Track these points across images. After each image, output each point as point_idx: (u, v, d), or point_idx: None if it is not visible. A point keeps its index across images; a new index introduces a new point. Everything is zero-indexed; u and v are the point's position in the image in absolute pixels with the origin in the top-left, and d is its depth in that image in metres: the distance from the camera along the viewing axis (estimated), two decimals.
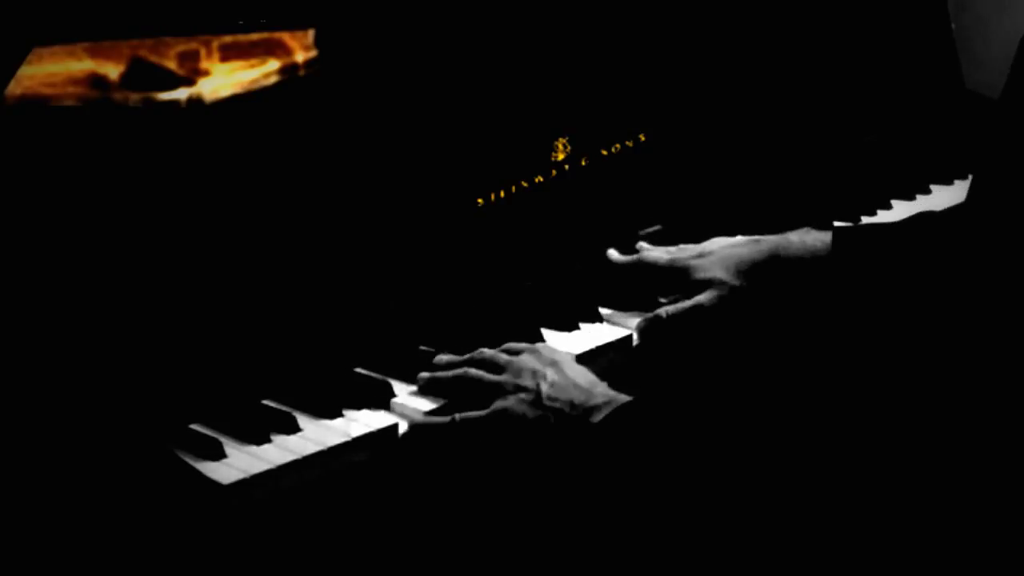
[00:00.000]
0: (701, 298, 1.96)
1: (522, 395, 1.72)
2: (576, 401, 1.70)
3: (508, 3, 2.07)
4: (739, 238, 2.04)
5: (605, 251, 2.10)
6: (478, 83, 2.04)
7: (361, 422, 1.73)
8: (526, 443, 1.71)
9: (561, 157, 2.12)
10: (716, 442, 1.61)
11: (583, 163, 2.15)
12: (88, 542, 1.60)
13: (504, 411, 1.71)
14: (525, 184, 2.08)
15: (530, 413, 1.71)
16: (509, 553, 1.90)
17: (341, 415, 1.74)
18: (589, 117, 2.15)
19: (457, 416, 1.72)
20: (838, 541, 1.54)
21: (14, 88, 1.69)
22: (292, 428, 1.71)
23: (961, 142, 2.49)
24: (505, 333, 1.89)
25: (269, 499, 1.62)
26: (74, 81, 1.73)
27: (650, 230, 2.17)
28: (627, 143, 2.19)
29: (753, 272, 1.97)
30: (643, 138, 2.21)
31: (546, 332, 1.93)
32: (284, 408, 1.76)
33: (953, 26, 2.59)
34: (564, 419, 1.69)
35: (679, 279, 2.00)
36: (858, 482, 1.53)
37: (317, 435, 1.70)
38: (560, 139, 2.12)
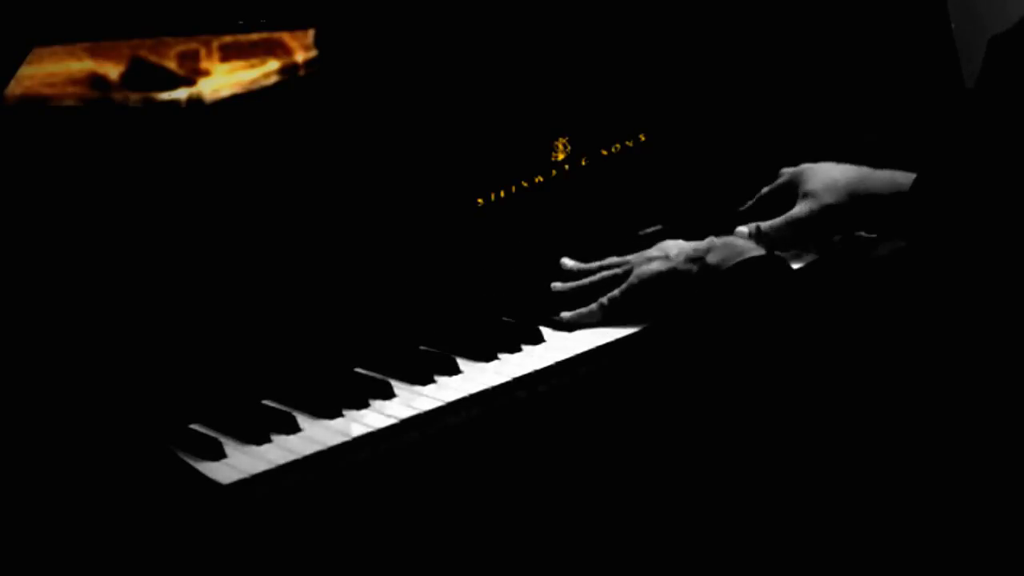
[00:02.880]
0: (795, 211, 2.06)
1: (659, 260, 1.91)
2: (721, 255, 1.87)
3: (508, 3, 2.07)
4: (842, 165, 2.13)
5: (604, 251, 2.10)
6: (478, 83, 2.04)
7: (361, 422, 1.73)
8: (664, 301, 1.89)
9: (561, 157, 2.12)
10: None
11: (583, 163, 2.15)
12: (88, 542, 1.60)
13: (644, 274, 1.90)
14: (525, 184, 2.08)
15: (679, 266, 1.89)
16: (511, 554, 1.90)
17: (341, 415, 1.74)
18: (589, 117, 2.15)
19: (605, 300, 1.92)
20: None
21: (14, 88, 1.69)
22: (292, 428, 1.71)
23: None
24: (506, 332, 1.90)
25: (269, 499, 1.62)
26: (74, 81, 1.73)
27: (650, 230, 2.17)
28: (627, 143, 2.19)
29: (846, 193, 2.06)
30: (643, 138, 2.21)
31: (546, 332, 1.93)
32: (284, 408, 1.76)
33: (953, 26, 2.59)
34: (706, 270, 1.87)
35: (787, 194, 2.11)
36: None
37: (317, 435, 1.70)
38: (560, 139, 2.12)
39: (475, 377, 1.83)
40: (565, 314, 1.94)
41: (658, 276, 1.91)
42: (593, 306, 1.93)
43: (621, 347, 1.91)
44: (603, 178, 2.16)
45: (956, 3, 2.61)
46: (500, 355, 1.87)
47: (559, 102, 2.12)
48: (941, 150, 1.66)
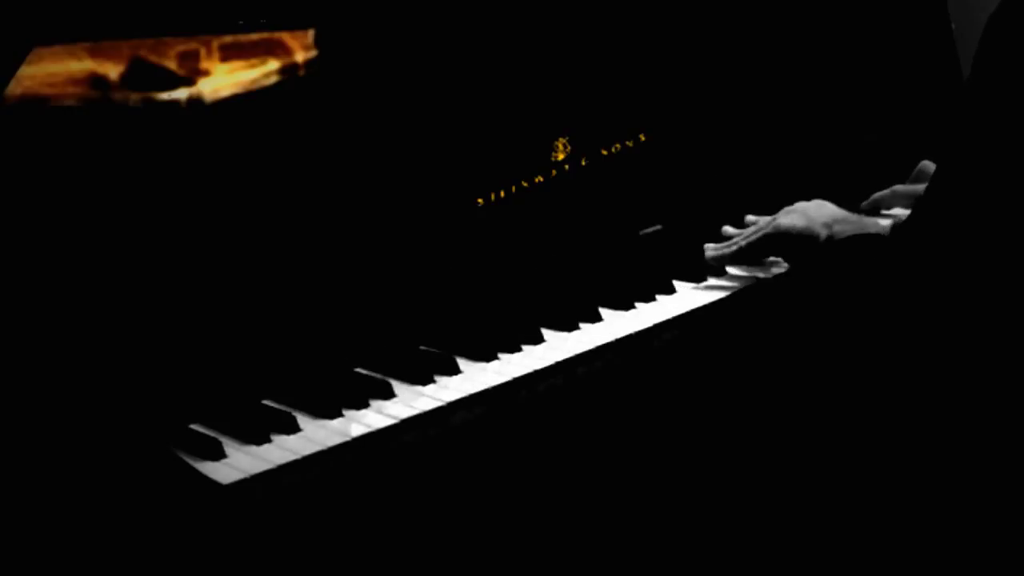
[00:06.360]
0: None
1: (797, 214, 2.03)
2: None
3: (508, 3, 2.07)
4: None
5: (604, 251, 2.10)
6: (478, 83, 2.04)
7: (361, 422, 1.73)
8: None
9: (561, 157, 2.12)
10: None
11: (583, 163, 2.15)
12: (89, 542, 1.60)
13: (780, 225, 2.03)
14: (525, 184, 2.08)
15: (813, 227, 2.00)
16: (511, 553, 1.90)
17: (341, 415, 1.74)
18: (589, 117, 2.15)
19: (743, 240, 2.05)
20: None
21: (14, 88, 1.69)
22: (292, 428, 1.71)
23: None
24: (505, 333, 1.90)
25: (269, 499, 1.62)
26: (74, 81, 1.73)
27: (650, 230, 2.17)
28: (627, 143, 2.19)
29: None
30: (643, 138, 2.21)
31: (546, 332, 1.93)
32: (284, 408, 1.76)
33: (953, 26, 2.59)
34: (831, 238, 2.00)
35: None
36: None
37: (317, 435, 1.70)
38: (560, 139, 2.12)
39: (475, 377, 1.83)
40: (709, 246, 2.08)
41: (792, 230, 2.02)
42: (731, 243, 2.07)
43: (622, 346, 1.91)
44: (603, 178, 2.16)
45: (956, 3, 2.61)
46: (500, 355, 1.87)
47: (559, 102, 2.12)
48: (942, 143, 1.69)
